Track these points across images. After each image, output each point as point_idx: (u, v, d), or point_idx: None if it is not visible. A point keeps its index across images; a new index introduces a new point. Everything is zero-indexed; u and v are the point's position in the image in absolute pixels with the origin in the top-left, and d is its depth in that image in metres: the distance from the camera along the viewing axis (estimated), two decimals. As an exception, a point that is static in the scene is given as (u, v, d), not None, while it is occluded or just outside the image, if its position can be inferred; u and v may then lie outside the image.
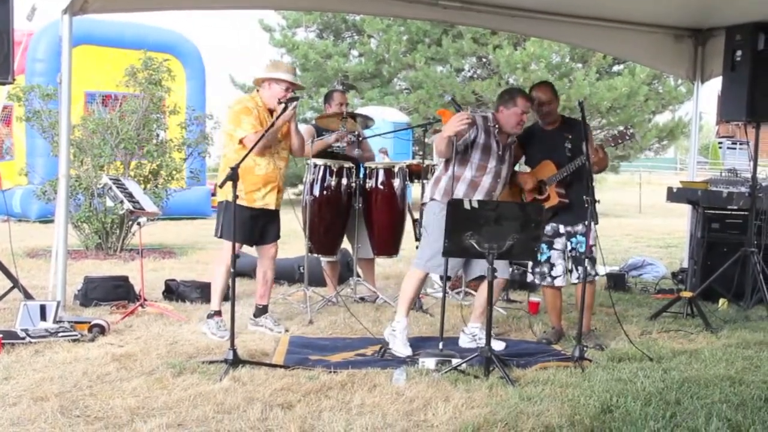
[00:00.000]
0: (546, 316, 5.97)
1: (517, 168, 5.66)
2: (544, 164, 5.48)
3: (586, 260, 5.22)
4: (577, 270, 5.42)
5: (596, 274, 5.43)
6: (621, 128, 5.29)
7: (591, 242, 5.30)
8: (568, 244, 5.44)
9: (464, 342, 5.33)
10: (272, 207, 5.54)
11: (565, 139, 5.42)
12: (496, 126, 5.22)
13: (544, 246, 5.43)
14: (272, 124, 5.31)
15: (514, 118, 5.16)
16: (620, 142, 5.29)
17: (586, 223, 5.19)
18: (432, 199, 5.27)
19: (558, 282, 5.51)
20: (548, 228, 5.43)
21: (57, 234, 5.94)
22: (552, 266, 5.49)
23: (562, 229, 5.44)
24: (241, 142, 5.39)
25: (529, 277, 5.68)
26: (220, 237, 5.45)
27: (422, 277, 5.32)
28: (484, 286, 5.11)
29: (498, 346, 5.15)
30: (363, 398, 4.05)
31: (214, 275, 5.62)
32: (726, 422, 3.74)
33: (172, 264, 9.02)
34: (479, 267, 5.17)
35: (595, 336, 5.47)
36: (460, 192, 5.14)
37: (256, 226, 5.52)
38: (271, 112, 5.51)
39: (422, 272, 5.28)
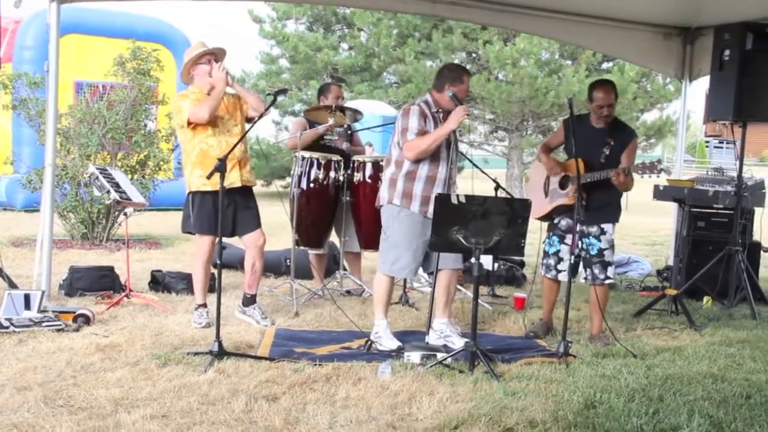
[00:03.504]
0: (532, 311, 5.99)
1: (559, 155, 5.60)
2: (578, 161, 5.21)
3: (597, 264, 5.28)
4: (585, 271, 5.38)
5: (607, 278, 5.37)
6: (655, 161, 5.14)
7: (604, 245, 5.32)
8: (579, 243, 5.35)
9: (432, 339, 5.18)
10: (238, 184, 5.46)
11: (607, 143, 5.30)
12: (439, 110, 5.09)
13: (555, 239, 5.47)
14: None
15: (460, 95, 5.04)
16: (647, 172, 5.13)
17: (601, 225, 5.31)
18: (390, 203, 5.08)
19: (562, 276, 5.48)
20: (563, 223, 5.44)
21: (42, 223, 5.90)
22: (560, 260, 5.47)
23: (576, 227, 5.34)
24: (189, 124, 5.34)
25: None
26: (189, 232, 5.61)
27: (390, 279, 5.18)
28: (440, 279, 5.15)
29: (461, 342, 5.00)
30: (348, 391, 4.06)
31: (193, 270, 5.65)
32: (708, 419, 3.77)
33: (158, 255, 8.99)
34: (434, 261, 5.11)
35: (605, 337, 5.36)
36: (418, 191, 5.00)
37: (228, 212, 5.41)
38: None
39: (388, 276, 5.14)
